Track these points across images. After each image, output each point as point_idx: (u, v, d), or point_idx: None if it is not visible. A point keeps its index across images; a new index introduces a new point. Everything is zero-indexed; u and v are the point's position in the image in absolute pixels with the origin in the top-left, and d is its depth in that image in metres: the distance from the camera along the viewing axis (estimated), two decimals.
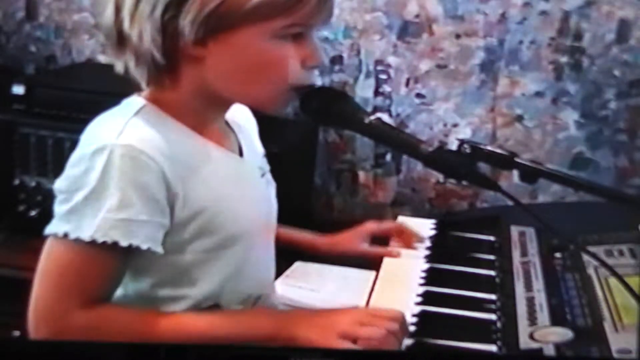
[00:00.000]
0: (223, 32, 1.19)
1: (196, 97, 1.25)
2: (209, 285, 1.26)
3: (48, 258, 1.19)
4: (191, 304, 1.25)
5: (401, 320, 1.20)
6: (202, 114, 1.27)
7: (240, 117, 1.38)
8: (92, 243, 1.15)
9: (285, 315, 1.28)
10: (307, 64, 1.24)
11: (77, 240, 1.15)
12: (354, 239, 1.62)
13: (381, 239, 1.64)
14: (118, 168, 1.15)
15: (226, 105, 1.31)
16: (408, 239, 1.62)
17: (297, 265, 1.70)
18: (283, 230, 1.55)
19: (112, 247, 1.15)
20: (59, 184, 1.20)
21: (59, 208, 1.19)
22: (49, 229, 1.18)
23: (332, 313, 1.22)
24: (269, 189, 1.39)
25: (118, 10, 1.21)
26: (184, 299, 1.25)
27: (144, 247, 1.17)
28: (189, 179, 1.20)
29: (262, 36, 1.20)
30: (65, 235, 1.16)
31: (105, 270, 1.18)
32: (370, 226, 1.63)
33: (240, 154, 1.34)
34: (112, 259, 1.17)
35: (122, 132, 1.17)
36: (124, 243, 1.15)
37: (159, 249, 1.19)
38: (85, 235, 1.15)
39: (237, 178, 1.30)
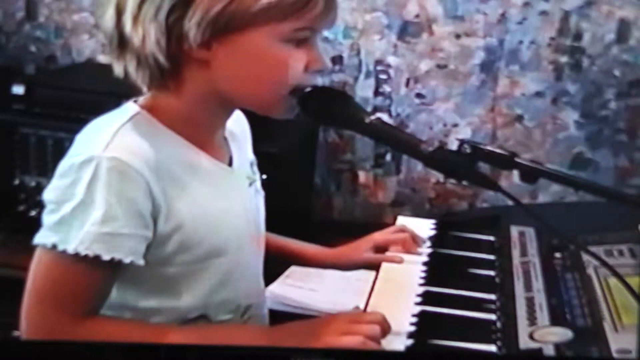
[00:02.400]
0: (229, 34, 1.18)
1: (198, 103, 1.24)
2: (194, 297, 1.25)
3: (37, 269, 1.18)
4: (177, 315, 1.25)
5: (381, 322, 1.19)
6: (201, 122, 1.26)
7: (234, 124, 1.37)
8: (77, 256, 1.14)
9: (272, 330, 1.28)
10: (311, 68, 1.24)
11: (64, 252, 1.15)
12: (358, 249, 1.60)
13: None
14: (104, 181, 1.14)
15: (228, 111, 1.30)
16: (411, 248, 1.61)
17: (297, 266, 1.70)
18: (285, 243, 1.55)
19: (96, 260, 1.15)
20: (47, 194, 1.19)
21: (47, 218, 1.18)
22: (38, 239, 1.18)
23: (315, 324, 1.22)
24: (257, 198, 1.38)
25: (119, 12, 1.19)
26: (169, 310, 1.24)
27: (127, 260, 1.17)
28: (173, 192, 1.20)
29: (269, 39, 1.19)
30: (54, 247, 1.15)
31: (91, 283, 1.18)
32: (375, 237, 1.62)
33: (230, 163, 1.33)
34: (97, 271, 1.17)
35: (110, 143, 1.16)
36: (106, 257, 1.15)
37: (141, 262, 1.18)
38: (70, 247, 1.14)
39: (224, 190, 1.29)
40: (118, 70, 1.23)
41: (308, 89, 1.25)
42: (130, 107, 1.25)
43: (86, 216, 1.14)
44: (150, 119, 1.23)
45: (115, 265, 1.17)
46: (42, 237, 1.17)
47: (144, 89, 1.24)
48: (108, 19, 1.21)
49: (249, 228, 1.34)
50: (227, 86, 1.22)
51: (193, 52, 1.19)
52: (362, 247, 1.60)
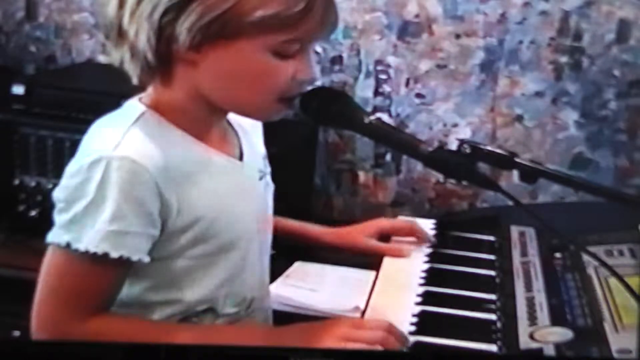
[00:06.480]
0: (220, 40, 1.18)
1: (190, 100, 1.24)
2: (203, 290, 1.26)
3: (49, 267, 1.20)
4: (184, 308, 1.26)
5: (386, 328, 1.19)
6: (200, 118, 1.26)
7: (244, 119, 1.37)
8: (87, 254, 1.16)
9: (273, 332, 1.30)
10: (298, 78, 1.23)
11: (76, 251, 1.17)
12: (362, 233, 1.60)
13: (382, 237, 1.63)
14: (114, 181, 1.15)
15: (222, 109, 1.31)
16: (419, 239, 1.60)
17: (297, 266, 1.70)
18: (286, 223, 1.55)
19: (104, 258, 1.17)
20: (57, 193, 1.21)
21: (58, 217, 1.20)
22: (51, 237, 1.19)
23: (317, 327, 1.21)
24: (266, 192, 1.39)
25: (121, 4, 1.21)
26: (176, 303, 1.25)
27: (134, 258, 1.18)
28: (184, 189, 1.21)
29: (259, 49, 1.19)
30: (68, 245, 1.17)
31: (101, 280, 1.20)
32: (382, 223, 1.61)
33: (241, 157, 1.34)
34: (106, 269, 1.19)
35: (120, 143, 1.17)
36: (114, 254, 1.17)
37: (147, 259, 1.20)
38: (82, 246, 1.16)
39: (235, 184, 1.29)
40: (115, 58, 1.24)
41: (308, 89, 1.25)
42: (135, 106, 1.25)
43: (97, 215, 1.16)
44: (157, 118, 1.24)
45: (123, 263, 1.19)
46: (55, 236, 1.19)
47: (134, 80, 1.25)
48: (110, 8, 1.22)
49: (257, 222, 1.34)
50: (211, 89, 1.23)
51: (182, 53, 1.19)
52: (366, 231, 1.59)
